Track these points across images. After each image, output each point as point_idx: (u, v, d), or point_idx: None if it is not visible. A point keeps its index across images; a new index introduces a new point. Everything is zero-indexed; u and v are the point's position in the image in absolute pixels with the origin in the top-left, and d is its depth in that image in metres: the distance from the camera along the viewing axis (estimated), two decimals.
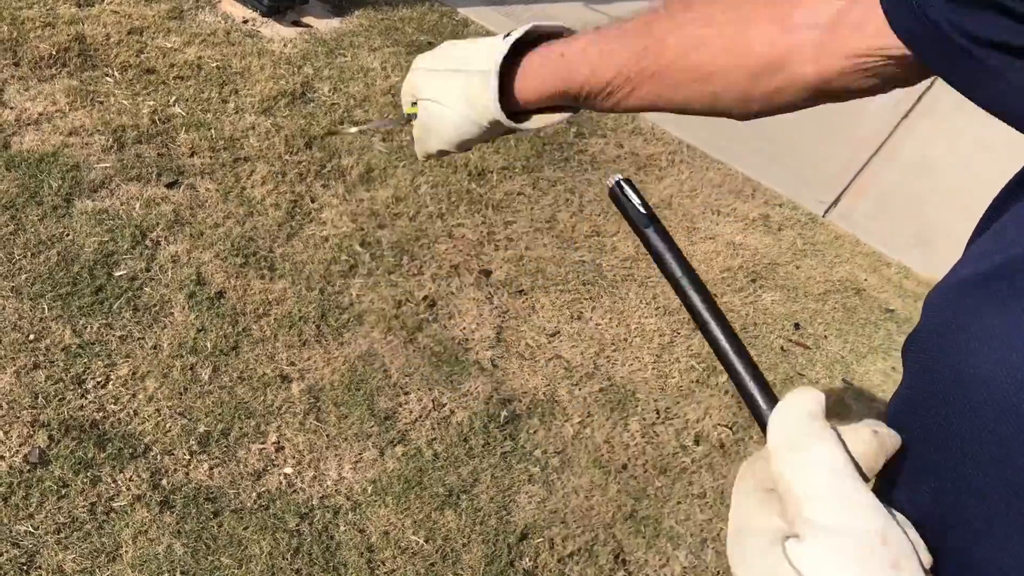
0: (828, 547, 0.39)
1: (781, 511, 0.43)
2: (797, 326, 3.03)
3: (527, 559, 2.05)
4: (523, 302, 2.72)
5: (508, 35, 0.86)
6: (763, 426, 0.52)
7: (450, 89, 0.87)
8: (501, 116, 0.86)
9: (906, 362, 0.62)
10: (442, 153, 0.97)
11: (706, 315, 0.61)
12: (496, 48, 0.85)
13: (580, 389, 2.50)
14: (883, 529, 0.40)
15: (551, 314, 2.71)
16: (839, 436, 0.47)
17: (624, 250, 3.06)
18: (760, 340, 2.90)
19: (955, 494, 0.53)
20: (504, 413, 2.35)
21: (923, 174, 3.91)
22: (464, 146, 0.93)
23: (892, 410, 0.64)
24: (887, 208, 3.79)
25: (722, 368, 0.56)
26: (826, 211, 3.68)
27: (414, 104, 0.94)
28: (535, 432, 2.34)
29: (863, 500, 0.40)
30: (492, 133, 0.91)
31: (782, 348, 2.91)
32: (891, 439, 0.48)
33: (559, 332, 2.66)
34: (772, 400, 0.54)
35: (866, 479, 0.48)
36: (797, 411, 0.45)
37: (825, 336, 3.03)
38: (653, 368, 2.65)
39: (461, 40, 0.92)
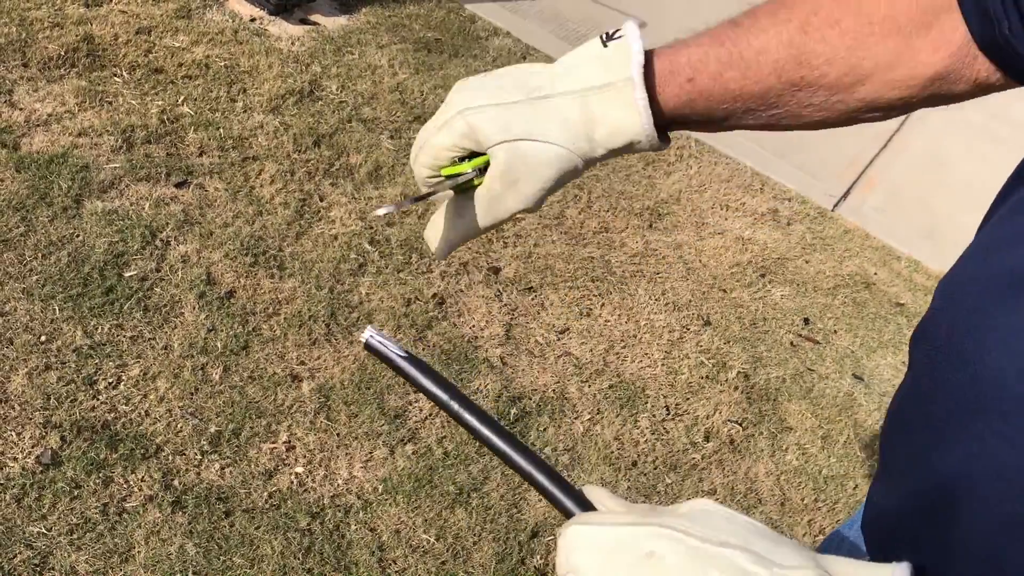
0: None
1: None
2: (807, 321, 3.02)
3: (538, 556, 2.06)
4: (532, 299, 2.72)
5: (611, 38, 0.71)
6: (566, 513, 0.59)
7: (544, 119, 0.70)
8: (651, 131, 0.70)
9: (913, 353, 0.62)
10: (515, 214, 0.76)
11: (488, 433, 0.65)
12: (617, 57, 0.69)
13: (590, 386, 2.50)
14: None
15: (560, 311, 2.71)
16: None
17: (633, 246, 3.06)
18: (770, 335, 2.90)
19: (953, 485, 0.53)
20: (514, 411, 2.35)
21: (933, 167, 3.89)
22: (545, 197, 0.75)
23: (897, 399, 0.64)
24: (897, 201, 3.77)
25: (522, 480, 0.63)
26: (835, 205, 3.67)
27: (467, 159, 0.72)
28: (545, 429, 2.34)
29: None
30: (582, 172, 0.75)
31: (792, 343, 2.90)
32: None
33: (568, 329, 2.66)
34: (573, 494, 0.60)
35: None
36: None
37: (835, 331, 3.02)
38: (663, 364, 2.65)
39: (499, 70, 0.74)
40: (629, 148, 0.72)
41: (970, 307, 0.54)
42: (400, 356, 0.67)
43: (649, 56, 0.71)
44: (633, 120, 0.70)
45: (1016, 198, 0.59)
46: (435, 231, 0.78)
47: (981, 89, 0.71)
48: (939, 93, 0.71)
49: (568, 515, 0.59)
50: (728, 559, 0.49)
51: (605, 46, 0.70)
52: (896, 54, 0.69)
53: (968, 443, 0.51)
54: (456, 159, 0.72)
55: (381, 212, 0.66)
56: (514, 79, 0.72)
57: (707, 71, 0.71)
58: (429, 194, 0.71)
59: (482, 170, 0.72)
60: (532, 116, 0.70)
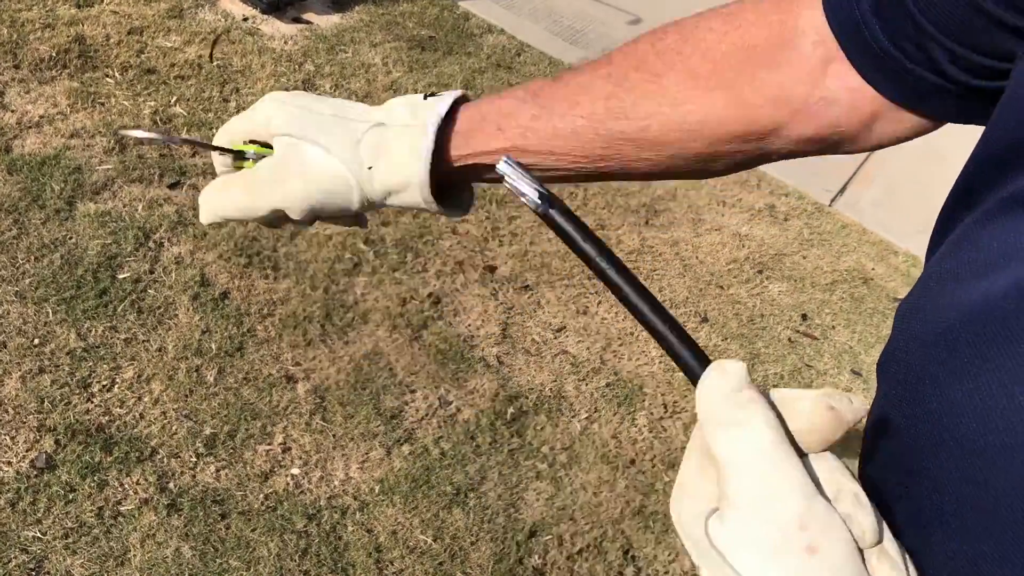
0: (744, 533, 0.39)
1: (717, 477, 0.43)
2: (805, 317, 3.01)
3: (536, 556, 2.05)
4: (528, 297, 2.71)
5: (433, 95, 0.73)
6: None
7: (339, 133, 0.71)
8: (424, 179, 0.69)
9: (879, 381, 0.60)
10: (274, 218, 0.75)
11: (618, 279, 0.54)
12: (425, 106, 0.71)
13: (587, 384, 2.49)
14: (803, 513, 0.40)
15: (556, 309, 2.70)
16: (775, 410, 0.45)
17: (629, 243, 3.05)
18: (767, 331, 2.89)
19: (926, 524, 0.51)
20: (511, 410, 2.34)
21: (930, 161, 3.88)
22: (313, 214, 0.74)
23: (868, 425, 0.62)
24: (894, 196, 3.77)
25: (649, 334, 0.53)
26: (832, 200, 3.66)
27: (253, 141, 0.75)
28: (542, 428, 2.33)
29: (786, 482, 0.40)
30: (353, 212, 0.74)
31: (790, 339, 2.89)
32: (852, 412, 0.46)
33: (565, 327, 2.65)
34: (704, 361, 0.50)
35: (803, 453, 0.46)
36: (721, 387, 0.44)
37: (833, 326, 3.01)
38: (660, 362, 2.64)
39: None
40: (409, 195, 0.71)
41: (927, 344, 0.52)
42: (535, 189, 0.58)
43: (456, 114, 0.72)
44: (414, 165, 0.69)
45: (951, 234, 0.57)
46: (208, 197, 0.78)
47: (829, 145, 0.72)
48: (804, 150, 0.72)
49: (695, 382, 0.49)
50: None
51: (425, 99, 0.72)
52: (724, 108, 0.68)
53: (931, 482, 0.50)
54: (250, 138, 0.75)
55: (136, 134, 0.71)
56: (333, 102, 0.74)
57: (517, 122, 0.70)
58: (195, 142, 0.74)
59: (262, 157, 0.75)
60: (327, 127, 0.71)
